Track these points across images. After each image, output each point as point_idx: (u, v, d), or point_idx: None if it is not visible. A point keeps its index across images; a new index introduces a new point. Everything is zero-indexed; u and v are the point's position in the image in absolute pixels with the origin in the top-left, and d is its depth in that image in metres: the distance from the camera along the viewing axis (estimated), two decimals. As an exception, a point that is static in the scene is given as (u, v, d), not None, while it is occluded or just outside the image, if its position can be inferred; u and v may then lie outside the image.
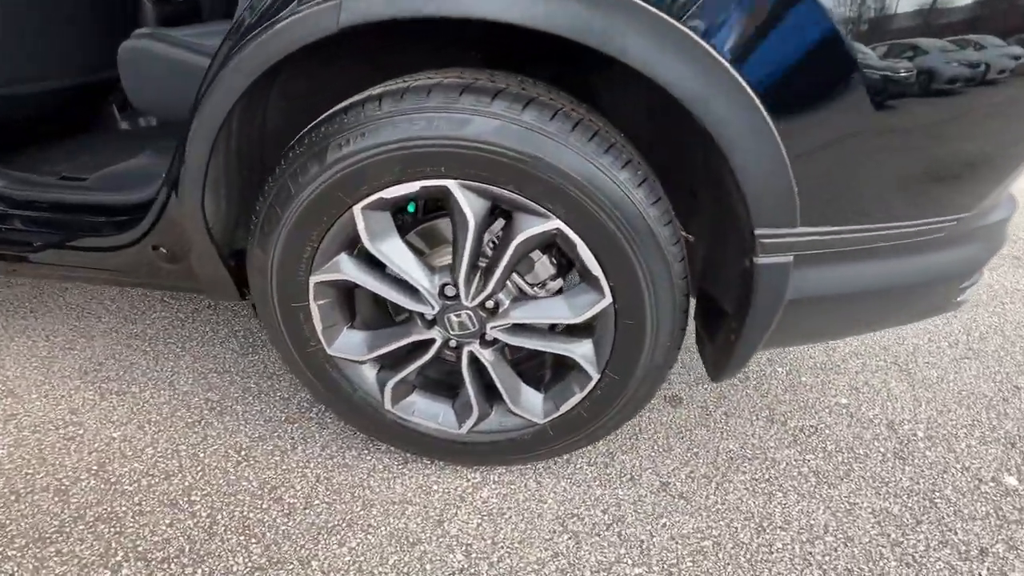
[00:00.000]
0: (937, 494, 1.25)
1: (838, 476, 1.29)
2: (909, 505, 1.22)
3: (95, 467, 1.26)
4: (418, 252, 1.08)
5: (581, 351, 1.05)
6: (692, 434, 1.39)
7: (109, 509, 1.17)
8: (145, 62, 1.16)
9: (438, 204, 1.17)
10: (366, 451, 1.32)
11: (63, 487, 1.22)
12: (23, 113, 1.56)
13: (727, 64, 0.71)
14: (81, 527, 1.13)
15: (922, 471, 1.31)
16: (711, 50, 0.70)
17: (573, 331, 1.09)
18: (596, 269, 0.93)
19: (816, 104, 0.73)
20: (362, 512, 1.18)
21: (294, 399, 1.47)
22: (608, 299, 0.96)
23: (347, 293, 1.12)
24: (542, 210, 0.89)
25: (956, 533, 1.17)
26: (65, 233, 1.23)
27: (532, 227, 0.91)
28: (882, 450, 1.36)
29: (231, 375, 1.54)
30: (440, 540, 1.13)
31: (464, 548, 1.11)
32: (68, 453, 1.30)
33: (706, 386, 1.55)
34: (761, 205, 0.80)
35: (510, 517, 1.17)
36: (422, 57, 1.10)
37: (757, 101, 0.72)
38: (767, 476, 1.29)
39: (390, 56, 1.11)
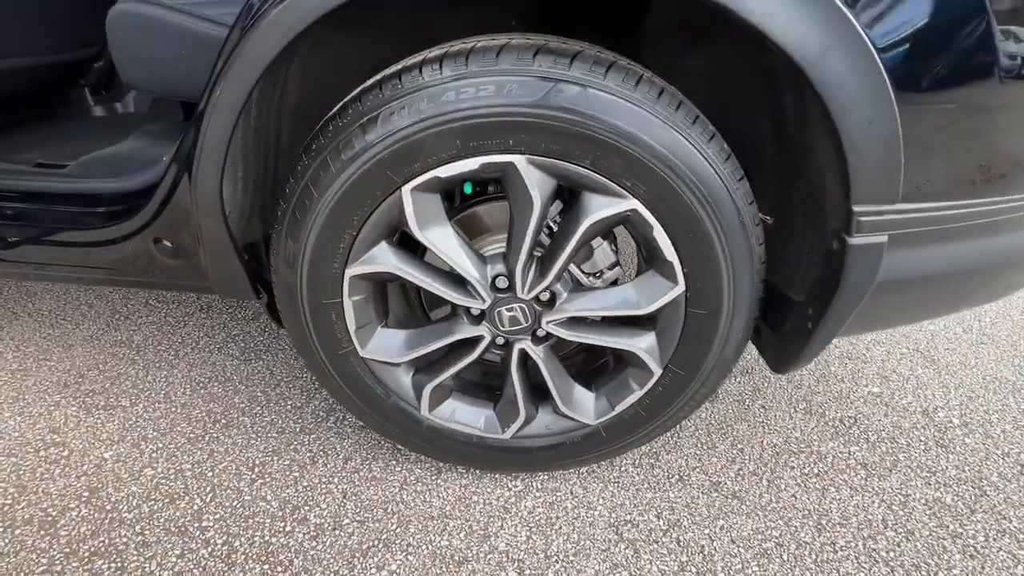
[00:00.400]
0: (984, 481, 1.22)
1: (886, 468, 1.25)
2: (960, 494, 1.19)
3: (86, 493, 1.11)
4: (460, 241, 0.98)
5: (642, 345, 0.97)
6: (733, 429, 1.33)
7: (107, 541, 1.02)
8: (139, 29, 1.01)
9: (476, 189, 1.07)
10: (394, 462, 1.20)
11: (50, 518, 1.06)
12: None
13: (854, 20, 0.64)
14: (75, 564, 0.98)
15: (965, 459, 1.28)
16: (840, 4, 0.63)
17: (632, 323, 1.01)
18: (671, 254, 0.85)
19: (941, 70, 0.67)
20: (398, 530, 1.06)
21: (307, 407, 1.34)
22: (681, 287, 0.88)
23: (381, 288, 1.01)
24: (618, 189, 0.80)
25: (1011, 521, 1.14)
26: (44, 226, 1.07)
27: (604, 208, 0.82)
28: (923, 439, 1.33)
29: (234, 384, 1.40)
30: (489, 557, 1.03)
31: (516, 565, 1.02)
32: (52, 479, 1.14)
33: (738, 379, 1.49)
34: (864, 179, 0.74)
35: (560, 527, 1.08)
36: (454, 32, 1.00)
37: (879, 61, 0.66)
38: (816, 471, 1.24)
39: (420, 27, 1.01)
